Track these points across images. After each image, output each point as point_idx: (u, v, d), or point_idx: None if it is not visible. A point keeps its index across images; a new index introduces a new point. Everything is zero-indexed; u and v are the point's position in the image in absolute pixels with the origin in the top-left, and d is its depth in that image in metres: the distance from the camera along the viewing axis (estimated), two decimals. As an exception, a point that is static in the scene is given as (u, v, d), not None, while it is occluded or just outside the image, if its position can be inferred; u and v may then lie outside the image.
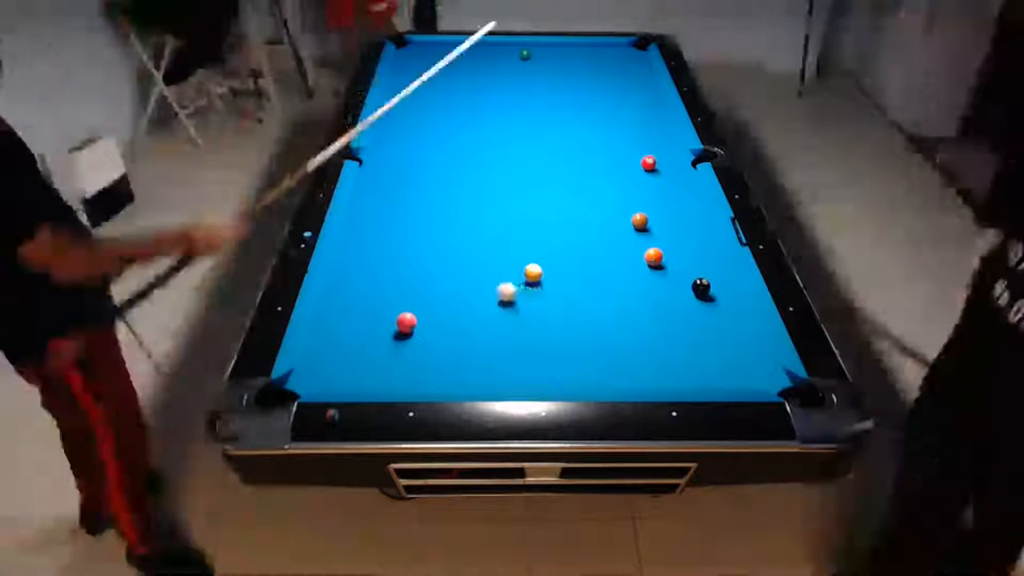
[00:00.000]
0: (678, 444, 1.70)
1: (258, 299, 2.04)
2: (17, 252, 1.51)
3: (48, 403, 1.92)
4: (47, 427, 1.98)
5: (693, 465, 1.74)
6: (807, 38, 5.00)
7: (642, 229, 2.42)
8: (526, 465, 1.76)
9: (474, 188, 2.66)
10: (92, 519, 2.23)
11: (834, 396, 1.74)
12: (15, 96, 3.37)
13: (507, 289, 2.07)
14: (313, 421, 1.66)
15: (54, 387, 1.82)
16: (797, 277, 2.16)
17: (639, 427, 1.70)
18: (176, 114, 4.37)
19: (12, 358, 1.78)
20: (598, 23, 4.22)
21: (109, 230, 3.64)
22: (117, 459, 1.92)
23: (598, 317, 2.05)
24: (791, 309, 2.03)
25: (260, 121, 4.61)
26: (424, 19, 5.09)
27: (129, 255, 1.70)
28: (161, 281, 1.74)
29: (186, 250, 1.73)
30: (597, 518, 2.31)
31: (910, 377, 2.87)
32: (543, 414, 1.70)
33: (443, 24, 5.07)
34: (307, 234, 2.29)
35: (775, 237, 2.34)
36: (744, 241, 2.30)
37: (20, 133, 1.69)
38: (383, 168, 2.76)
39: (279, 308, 1.99)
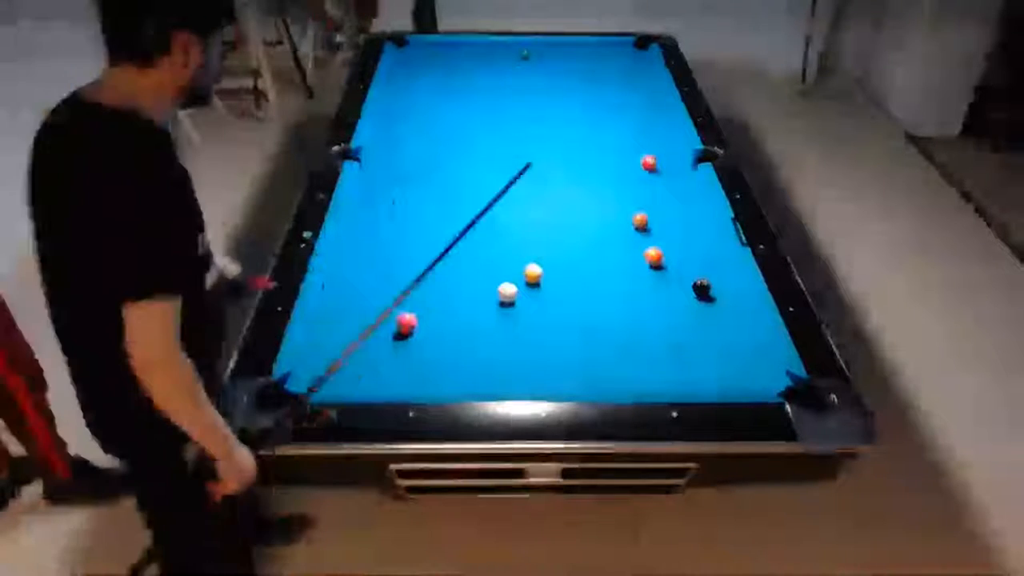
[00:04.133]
0: (678, 444, 1.70)
1: (258, 299, 2.04)
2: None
3: None
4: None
5: (693, 465, 1.74)
6: (808, 38, 4.99)
7: (642, 229, 2.42)
8: (526, 465, 1.76)
9: (474, 188, 2.66)
10: (47, 488, 2.35)
11: (835, 396, 1.73)
12: (16, 96, 3.38)
13: (508, 290, 2.07)
14: (313, 421, 1.66)
15: None
16: (798, 277, 2.16)
17: (639, 427, 1.70)
18: (175, 114, 4.37)
19: None
20: (598, 23, 4.22)
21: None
22: (33, 404, 2.14)
23: (598, 317, 2.04)
24: (791, 309, 2.03)
25: (260, 121, 4.61)
26: (424, 19, 5.09)
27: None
28: None
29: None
30: (597, 518, 2.31)
31: (910, 375, 2.87)
32: (543, 414, 1.70)
33: (443, 24, 5.07)
34: (307, 234, 2.29)
35: (775, 237, 2.33)
36: (744, 241, 2.30)
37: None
38: (383, 168, 2.75)
39: (279, 308, 1.99)
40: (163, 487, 1.57)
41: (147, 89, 1.29)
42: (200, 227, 1.40)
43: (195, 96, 1.37)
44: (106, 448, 1.53)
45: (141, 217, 1.21)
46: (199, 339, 1.41)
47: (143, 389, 1.28)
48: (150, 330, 1.24)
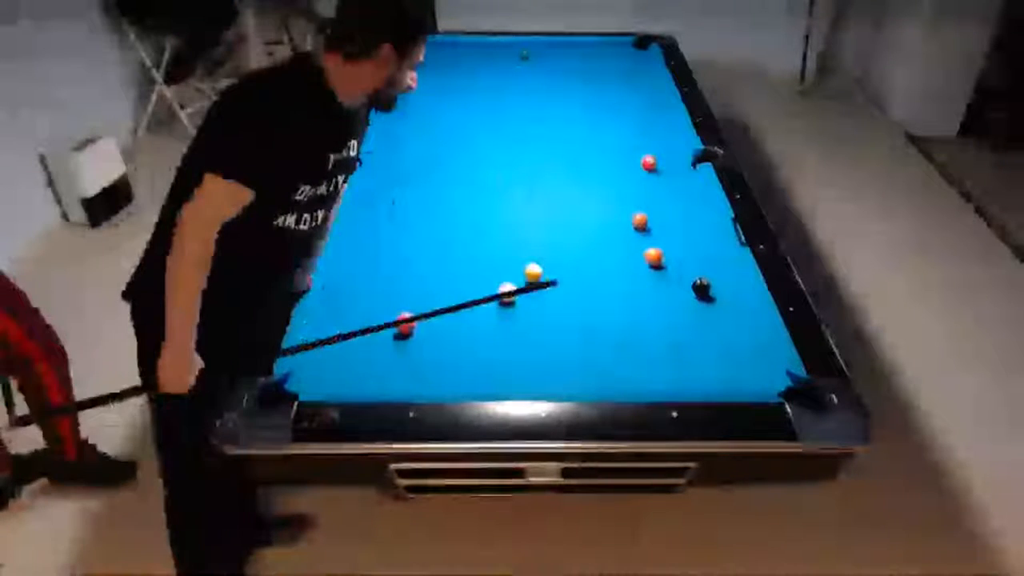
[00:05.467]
0: (678, 444, 1.70)
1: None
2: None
3: None
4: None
5: (693, 465, 1.74)
6: (807, 37, 5.00)
7: (642, 229, 2.42)
8: (526, 465, 1.76)
9: (474, 188, 2.66)
10: (54, 470, 2.40)
11: (835, 396, 1.73)
12: (16, 96, 3.38)
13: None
14: (313, 421, 1.66)
15: None
16: (797, 277, 2.16)
17: (639, 427, 1.70)
18: (176, 114, 4.38)
19: None
20: (598, 23, 4.23)
21: (109, 230, 3.65)
22: (59, 382, 2.20)
23: (598, 317, 2.04)
24: (791, 309, 2.02)
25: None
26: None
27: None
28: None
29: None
30: (597, 518, 2.31)
31: (910, 375, 2.87)
32: (543, 414, 1.70)
33: (443, 24, 5.06)
34: (307, 234, 2.29)
35: (775, 237, 2.33)
36: (744, 241, 2.30)
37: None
38: (383, 168, 2.75)
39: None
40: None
41: (344, 77, 1.60)
42: (306, 179, 1.63)
43: (380, 100, 1.69)
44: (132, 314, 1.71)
45: (258, 122, 1.51)
46: (253, 263, 1.68)
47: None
48: (203, 197, 1.49)
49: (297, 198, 1.64)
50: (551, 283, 1.89)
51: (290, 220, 1.67)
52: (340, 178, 1.76)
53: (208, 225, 1.50)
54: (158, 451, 1.84)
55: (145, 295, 1.63)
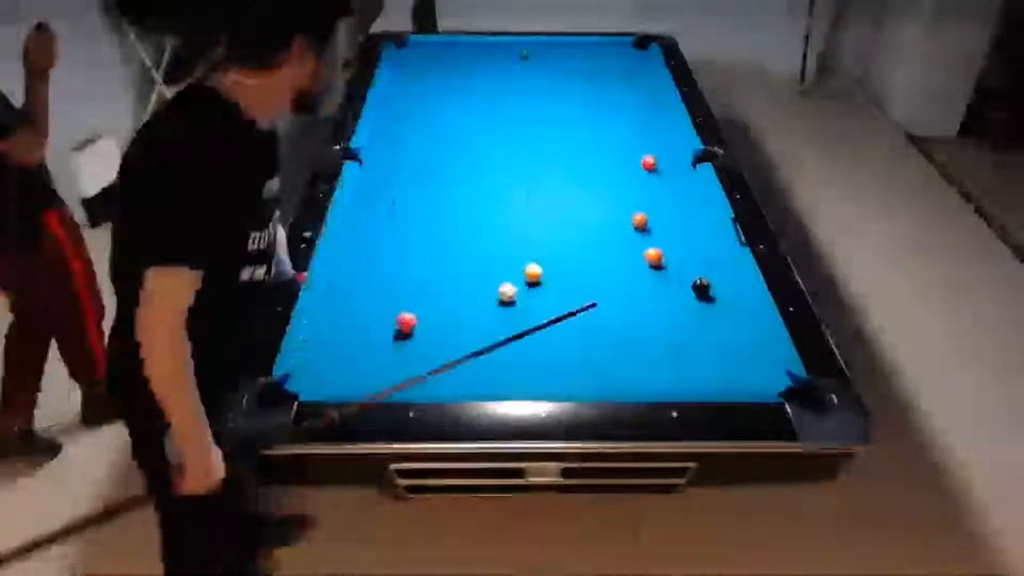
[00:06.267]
0: (678, 444, 1.70)
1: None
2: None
3: (29, 289, 2.29)
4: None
5: (693, 465, 1.74)
6: (807, 37, 4.99)
7: (642, 229, 2.42)
8: (526, 465, 1.76)
9: (474, 188, 2.66)
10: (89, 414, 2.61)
11: (835, 396, 1.73)
12: (16, 96, 3.37)
13: (508, 289, 2.07)
14: (313, 421, 1.66)
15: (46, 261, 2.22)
16: (797, 277, 2.16)
17: (639, 427, 1.70)
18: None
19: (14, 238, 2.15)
20: (598, 23, 4.23)
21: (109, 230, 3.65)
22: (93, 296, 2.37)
23: (598, 317, 2.04)
24: (791, 309, 2.02)
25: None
26: (424, 19, 5.09)
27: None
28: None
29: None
30: (597, 518, 2.31)
31: (910, 375, 2.87)
32: (543, 414, 1.70)
33: (443, 24, 5.07)
34: (307, 234, 2.29)
35: (775, 237, 2.33)
36: (744, 241, 2.30)
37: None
38: (383, 168, 2.76)
39: (279, 308, 1.99)
40: (157, 463, 1.52)
41: (256, 94, 1.38)
42: (254, 225, 1.47)
43: (306, 103, 1.46)
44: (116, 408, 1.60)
45: (183, 189, 1.28)
46: (222, 328, 1.49)
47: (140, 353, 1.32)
48: (159, 296, 1.29)
49: (251, 249, 1.48)
50: (591, 305, 1.77)
51: (244, 274, 1.50)
52: (275, 216, 1.59)
53: (172, 325, 1.31)
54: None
55: (127, 383, 1.44)
